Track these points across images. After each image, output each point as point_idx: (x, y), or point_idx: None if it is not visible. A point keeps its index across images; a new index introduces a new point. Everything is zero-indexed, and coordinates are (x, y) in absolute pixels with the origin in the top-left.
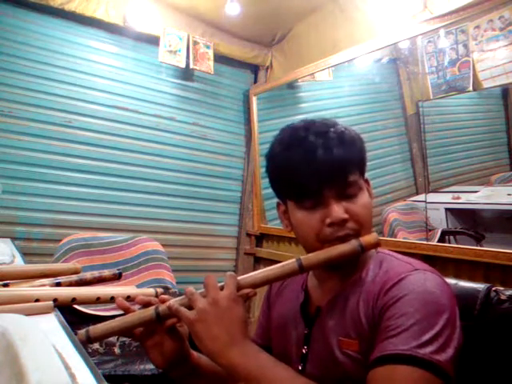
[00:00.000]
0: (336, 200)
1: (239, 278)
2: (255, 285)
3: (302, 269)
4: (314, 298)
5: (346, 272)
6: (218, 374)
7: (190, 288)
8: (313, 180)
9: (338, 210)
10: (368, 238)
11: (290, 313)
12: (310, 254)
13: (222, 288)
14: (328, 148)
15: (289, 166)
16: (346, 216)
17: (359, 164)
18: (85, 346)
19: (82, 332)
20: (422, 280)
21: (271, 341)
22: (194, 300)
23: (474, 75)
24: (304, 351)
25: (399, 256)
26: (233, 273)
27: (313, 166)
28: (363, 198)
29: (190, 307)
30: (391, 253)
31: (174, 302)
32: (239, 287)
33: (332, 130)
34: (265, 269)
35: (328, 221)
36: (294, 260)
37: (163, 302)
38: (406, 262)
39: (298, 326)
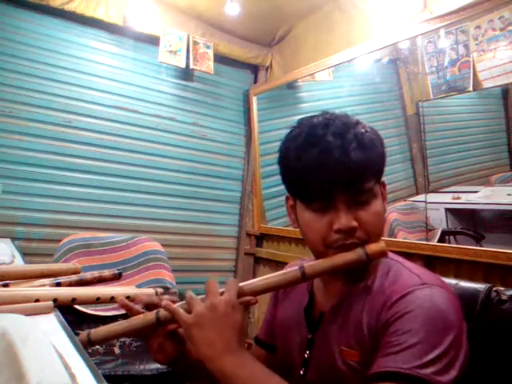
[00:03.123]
0: (347, 206)
1: (241, 284)
2: (257, 292)
3: (304, 277)
4: (318, 301)
5: (352, 277)
6: None
7: (190, 292)
8: (325, 183)
9: (347, 218)
10: (374, 248)
11: (295, 315)
12: (314, 263)
13: (222, 294)
14: (345, 151)
15: (302, 166)
16: (354, 224)
17: (377, 170)
18: (86, 347)
19: (83, 334)
20: (429, 296)
21: (275, 339)
22: (193, 304)
23: (475, 75)
24: (306, 356)
25: (407, 264)
26: (235, 278)
27: (327, 169)
28: (376, 205)
29: (189, 312)
30: (400, 259)
31: (174, 305)
32: (240, 294)
33: (352, 131)
34: (267, 276)
35: (336, 227)
36: (296, 268)
37: (164, 306)
38: (414, 273)
39: (301, 329)
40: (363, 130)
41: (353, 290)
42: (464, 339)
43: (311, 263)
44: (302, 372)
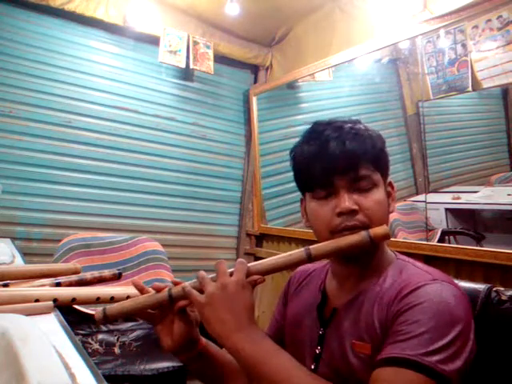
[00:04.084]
0: (347, 191)
1: (249, 264)
2: (264, 272)
3: (310, 257)
4: (331, 299)
5: (365, 274)
6: (224, 361)
7: (202, 272)
8: (324, 170)
9: (347, 200)
10: (378, 230)
11: (306, 312)
12: (319, 244)
13: (231, 274)
14: (341, 140)
15: (304, 158)
16: (355, 207)
17: (373, 158)
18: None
19: (99, 311)
20: (439, 290)
21: (284, 338)
22: (205, 284)
23: (473, 75)
24: (317, 351)
25: (419, 264)
26: (243, 259)
27: (324, 156)
28: (376, 193)
29: (201, 291)
30: (411, 260)
31: (187, 284)
32: (248, 273)
33: (349, 125)
34: (274, 257)
35: (337, 210)
36: (302, 249)
37: (176, 284)
38: (425, 272)
39: (313, 325)
40: (361, 126)
41: (365, 288)
42: (471, 334)
43: (317, 245)
44: (312, 367)
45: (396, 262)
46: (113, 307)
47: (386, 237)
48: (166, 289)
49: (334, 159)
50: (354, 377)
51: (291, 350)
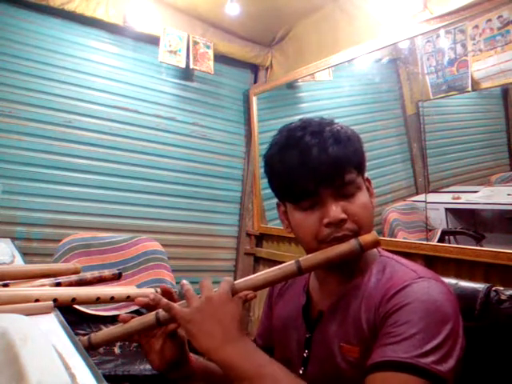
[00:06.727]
0: (333, 200)
1: (236, 281)
2: (253, 287)
3: (300, 271)
4: (315, 300)
5: (348, 274)
6: (214, 377)
7: (189, 286)
8: (309, 180)
9: (335, 210)
10: (367, 237)
11: (292, 315)
12: (309, 256)
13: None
14: (323, 147)
15: (285, 168)
16: (343, 216)
17: (356, 163)
18: (87, 351)
19: (83, 339)
20: (426, 288)
21: (273, 341)
22: (189, 298)
23: (472, 75)
24: (305, 355)
25: (403, 261)
26: (229, 277)
27: (308, 166)
28: (362, 197)
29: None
30: (395, 257)
31: (172, 304)
32: (235, 290)
33: (328, 129)
34: (263, 271)
35: (325, 221)
36: (292, 262)
37: (162, 306)
38: (411, 269)
39: (299, 329)
40: (339, 128)
41: (350, 287)
42: (460, 331)
43: (306, 256)
44: (301, 371)
45: (380, 259)
46: (99, 334)
47: (376, 244)
48: (154, 313)
49: (319, 169)
50: (343, 380)
51: (280, 353)
